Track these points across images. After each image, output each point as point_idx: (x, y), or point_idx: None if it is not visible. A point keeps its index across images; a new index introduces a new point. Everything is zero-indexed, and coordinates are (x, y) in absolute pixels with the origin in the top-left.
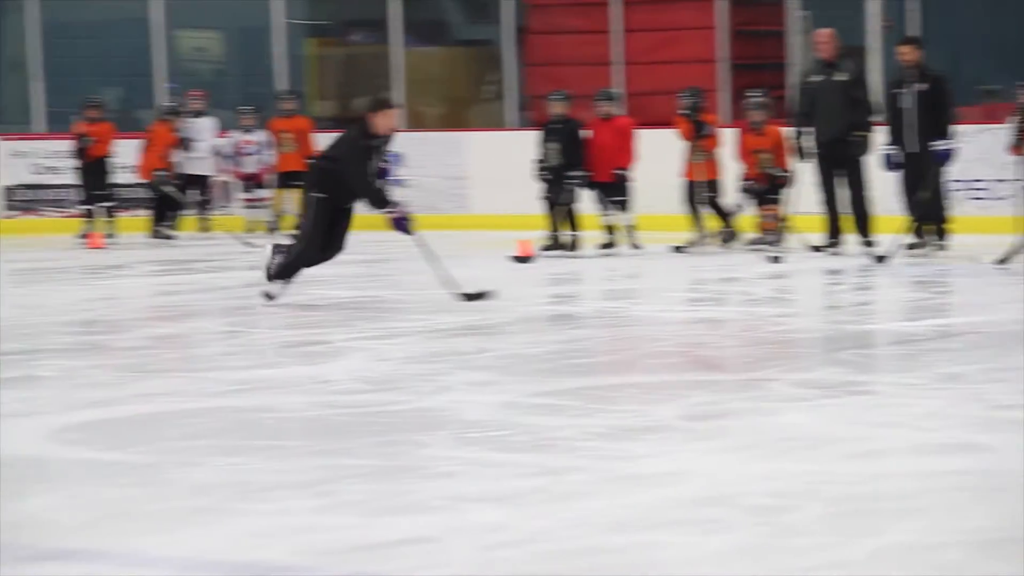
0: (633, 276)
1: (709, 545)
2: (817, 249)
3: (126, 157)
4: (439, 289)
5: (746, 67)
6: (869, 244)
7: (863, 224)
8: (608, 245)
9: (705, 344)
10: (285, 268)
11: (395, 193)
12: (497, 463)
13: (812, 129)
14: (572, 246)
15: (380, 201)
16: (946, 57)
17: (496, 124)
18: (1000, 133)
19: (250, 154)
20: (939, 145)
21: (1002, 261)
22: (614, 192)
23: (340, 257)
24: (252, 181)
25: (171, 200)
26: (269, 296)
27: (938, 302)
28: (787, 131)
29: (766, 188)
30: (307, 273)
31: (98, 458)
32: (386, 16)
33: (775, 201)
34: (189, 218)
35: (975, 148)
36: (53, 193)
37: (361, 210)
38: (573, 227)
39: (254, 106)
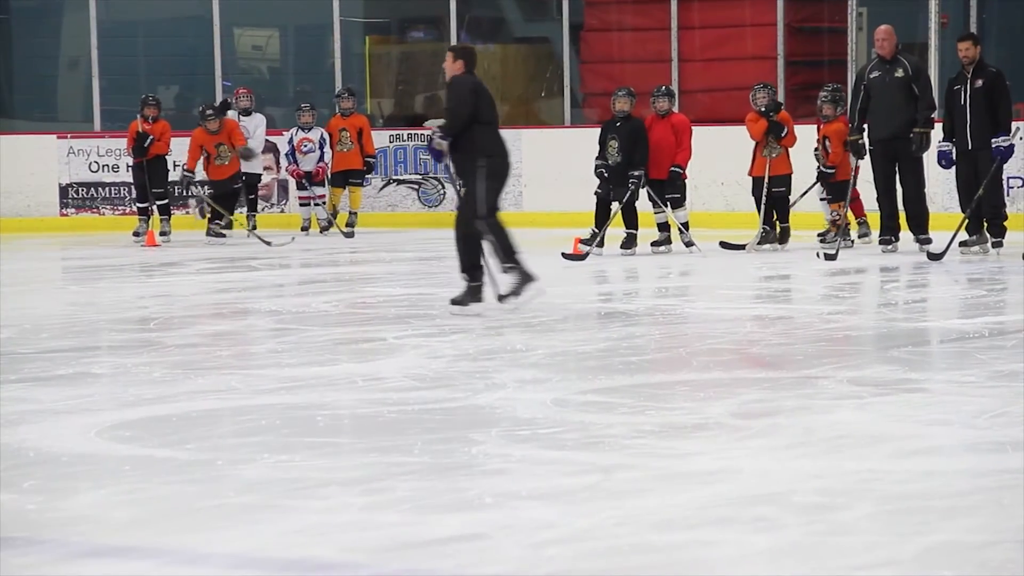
0: (686, 273)
1: (758, 544)
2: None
3: (182, 156)
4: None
5: (804, 64)
6: (924, 241)
7: (919, 221)
8: (662, 242)
9: (757, 342)
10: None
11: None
12: (548, 461)
13: (867, 126)
14: (630, 244)
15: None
16: (1005, 53)
17: (552, 122)
18: None
19: (307, 152)
20: (997, 142)
21: None
22: (669, 189)
23: (393, 255)
24: (309, 179)
25: (225, 199)
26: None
27: (993, 300)
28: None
29: (833, 184)
30: (361, 271)
31: (150, 455)
32: (443, 13)
33: (839, 198)
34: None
35: None
36: (110, 191)
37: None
38: (631, 226)
39: (311, 104)
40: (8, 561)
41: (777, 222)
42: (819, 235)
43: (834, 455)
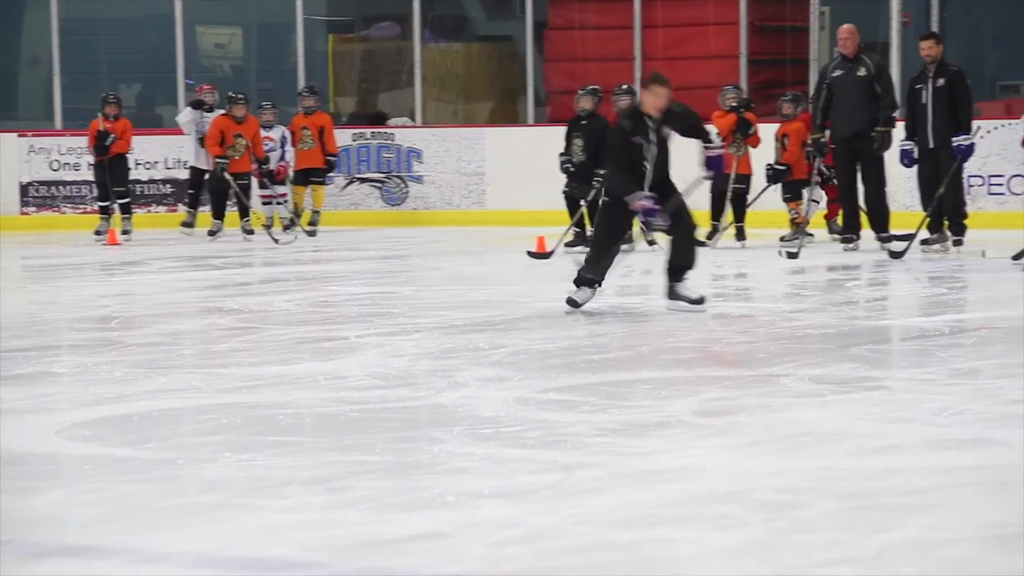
0: (649, 272)
1: (720, 541)
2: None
3: (144, 154)
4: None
5: (766, 62)
6: (885, 240)
7: (880, 220)
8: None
9: (719, 340)
10: (589, 276)
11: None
12: (510, 459)
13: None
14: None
15: (614, 189)
16: (966, 53)
17: (516, 120)
18: (1019, 129)
19: (269, 150)
20: (958, 141)
21: (1018, 257)
22: None
23: (356, 253)
24: (271, 177)
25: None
26: (574, 303)
27: (953, 298)
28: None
29: (790, 183)
30: (323, 270)
31: (111, 454)
32: (406, 12)
33: (797, 197)
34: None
35: (994, 143)
36: (71, 189)
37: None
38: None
39: (272, 102)
40: None
41: (733, 221)
42: (783, 236)
43: (795, 453)
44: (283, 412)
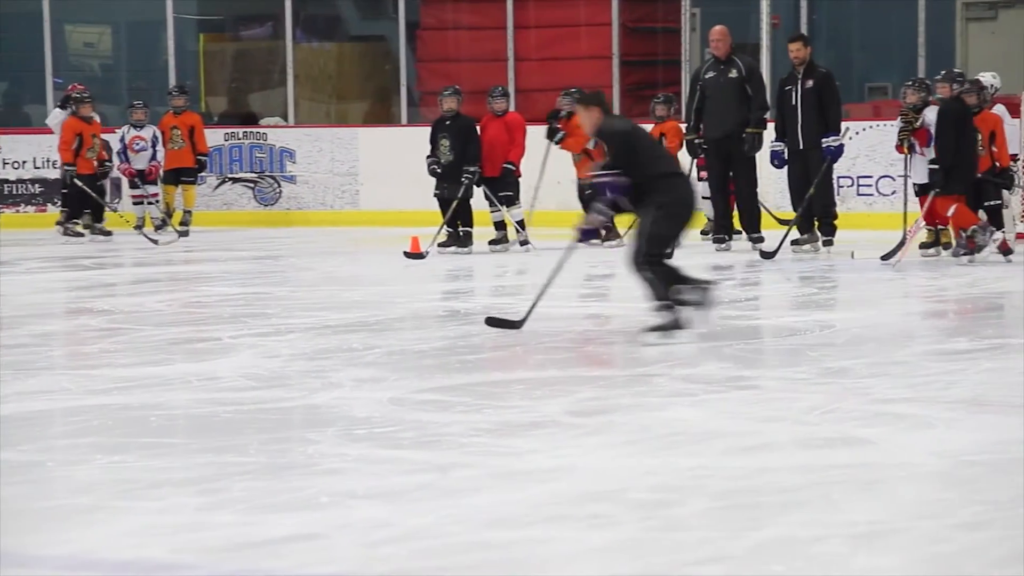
0: (523, 272)
1: (593, 541)
2: (766, 256)
3: (13, 153)
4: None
5: (638, 63)
6: (757, 240)
7: (751, 220)
8: (499, 241)
9: (592, 340)
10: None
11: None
12: (384, 459)
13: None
14: (464, 242)
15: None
16: (834, 54)
17: (389, 120)
18: (887, 130)
19: (140, 150)
20: (827, 142)
21: (887, 257)
22: (502, 187)
23: (229, 254)
24: (142, 177)
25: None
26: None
27: (824, 297)
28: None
29: None
30: (195, 270)
31: None
32: (278, 11)
33: None
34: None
35: (862, 145)
36: None
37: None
38: (466, 223)
39: (143, 102)
40: None
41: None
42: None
43: (668, 452)
44: (155, 413)
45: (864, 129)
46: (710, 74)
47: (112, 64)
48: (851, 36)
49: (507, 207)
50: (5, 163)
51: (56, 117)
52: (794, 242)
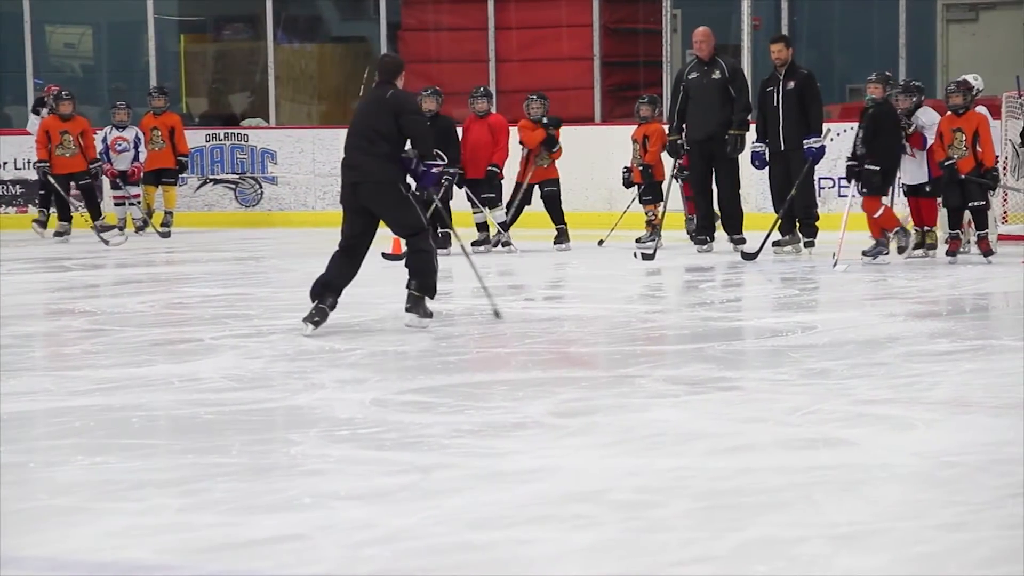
0: (505, 274)
1: (576, 541)
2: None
3: None
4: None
5: (619, 65)
6: (739, 241)
7: (733, 222)
8: (481, 242)
9: (575, 341)
10: None
11: None
12: (366, 460)
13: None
14: (443, 243)
15: None
16: (816, 56)
17: None
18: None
19: (122, 151)
20: (809, 143)
21: (866, 254)
22: (485, 189)
23: (210, 255)
24: (124, 178)
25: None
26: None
27: (805, 299)
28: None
29: (650, 184)
30: (177, 271)
31: None
32: (259, 12)
33: (657, 199)
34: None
35: (843, 146)
36: None
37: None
38: (446, 224)
39: (126, 102)
40: None
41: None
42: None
43: (651, 453)
44: (137, 414)
45: (845, 130)
46: (693, 75)
47: (93, 65)
48: (832, 37)
49: (490, 209)
50: None
51: (35, 124)
52: (776, 243)
